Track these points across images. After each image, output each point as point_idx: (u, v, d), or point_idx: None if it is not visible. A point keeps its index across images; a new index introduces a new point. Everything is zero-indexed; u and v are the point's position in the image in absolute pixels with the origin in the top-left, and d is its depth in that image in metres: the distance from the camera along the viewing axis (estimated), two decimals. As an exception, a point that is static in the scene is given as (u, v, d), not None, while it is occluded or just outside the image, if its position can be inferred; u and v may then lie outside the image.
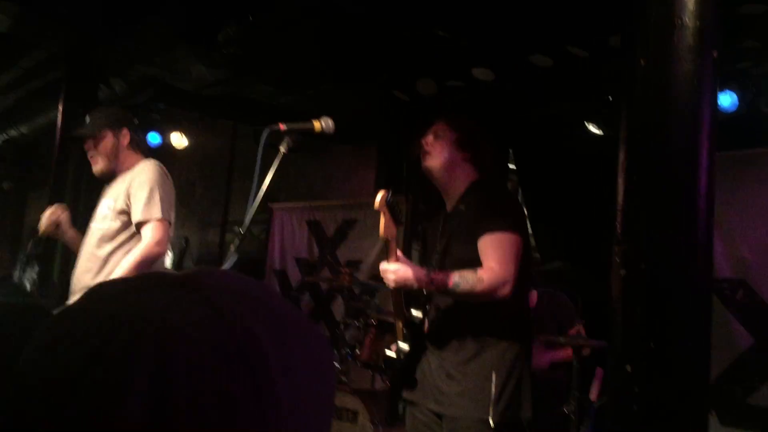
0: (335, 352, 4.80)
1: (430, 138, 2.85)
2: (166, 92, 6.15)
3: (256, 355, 0.49)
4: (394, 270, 2.56)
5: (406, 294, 2.70)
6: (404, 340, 2.79)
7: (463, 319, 2.65)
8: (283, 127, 2.57)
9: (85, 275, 3.16)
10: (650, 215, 2.23)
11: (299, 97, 6.50)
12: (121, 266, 3.03)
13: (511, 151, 6.90)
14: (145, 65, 5.63)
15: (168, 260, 4.65)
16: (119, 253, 3.12)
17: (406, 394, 2.82)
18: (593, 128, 5.73)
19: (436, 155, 2.81)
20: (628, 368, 2.13)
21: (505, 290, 2.52)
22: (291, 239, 6.82)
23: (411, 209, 5.88)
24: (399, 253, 2.63)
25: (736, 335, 3.60)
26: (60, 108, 5.50)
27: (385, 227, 2.57)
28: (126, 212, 3.13)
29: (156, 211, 3.05)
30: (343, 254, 6.29)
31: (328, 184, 7.55)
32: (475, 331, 2.61)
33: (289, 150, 2.60)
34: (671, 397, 2.13)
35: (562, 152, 6.20)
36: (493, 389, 2.49)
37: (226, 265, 2.39)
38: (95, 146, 3.27)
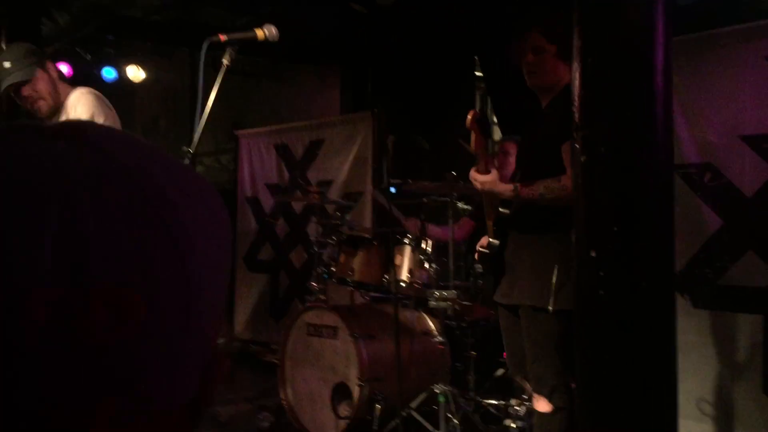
0: (312, 272, 4.80)
1: (530, 57, 2.94)
2: (115, 22, 5.90)
3: (165, 206, 0.45)
4: (482, 181, 2.88)
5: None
6: (494, 237, 3.09)
7: (538, 214, 2.87)
8: (223, 37, 2.46)
9: None
10: (607, 97, 2.17)
11: (254, 18, 6.27)
12: None
13: (476, 57, 6.77)
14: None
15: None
16: None
17: (495, 297, 3.11)
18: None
19: (541, 73, 2.95)
20: (593, 253, 2.12)
21: None
22: (260, 165, 6.72)
23: (377, 124, 5.78)
24: (494, 167, 2.95)
25: (706, 218, 3.61)
26: (2, 45, 5.27)
27: (475, 142, 2.88)
28: None
29: None
30: (314, 175, 6.22)
31: (293, 106, 7.39)
32: (545, 225, 2.86)
33: (232, 61, 2.50)
34: (637, 280, 2.12)
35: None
36: (554, 280, 2.76)
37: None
38: (35, 89, 3.13)
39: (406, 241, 4.15)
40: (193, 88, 7.59)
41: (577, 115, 2.22)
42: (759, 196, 3.43)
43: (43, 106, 3.14)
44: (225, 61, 2.48)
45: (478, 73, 6.94)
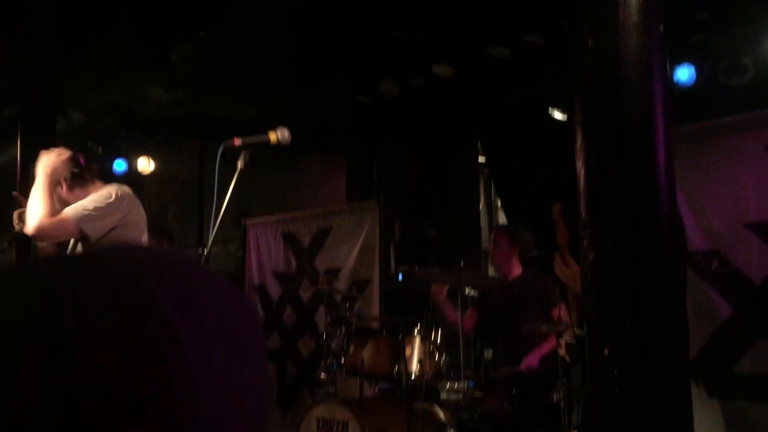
0: (321, 362, 4.76)
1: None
2: (127, 118, 6.07)
3: (167, 341, 0.45)
4: (568, 275, 3.03)
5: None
6: (579, 327, 3.17)
7: None
8: (237, 142, 2.54)
9: None
10: (612, 195, 2.22)
11: (262, 110, 6.45)
12: (37, 191, 3.00)
13: (479, 143, 6.90)
14: (101, 93, 5.56)
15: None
16: None
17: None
18: (557, 114, 5.74)
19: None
20: (606, 351, 2.12)
21: None
22: (267, 254, 6.76)
23: (383, 212, 5.85)
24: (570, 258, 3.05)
25: (716, 306, 3.61)
26: (18, 143, 5.41)
27: (560, 234, 3.06)
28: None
29: (73, 210, 2.98)
30: (321, 263, 6.24)
31: (300, 195, 7.49)
32: None
33: (250, 165, 2.57)
34: (652, 376, 2.11)
35: (530, 140, 6.21)
36: None
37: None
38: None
39: (416, 331, 4.14)
40: (201, 179, 7.73)
41: (583, 212, 2.27)
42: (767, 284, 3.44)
43: None
44: (240, 164, 2.54)
45: (481, 159, 7.07)
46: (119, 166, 6.95)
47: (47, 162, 3.11)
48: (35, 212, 3.00)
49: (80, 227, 2.97)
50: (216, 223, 2.50)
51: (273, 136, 2.60)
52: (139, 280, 0.47)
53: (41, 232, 2.99)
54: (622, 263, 2.17)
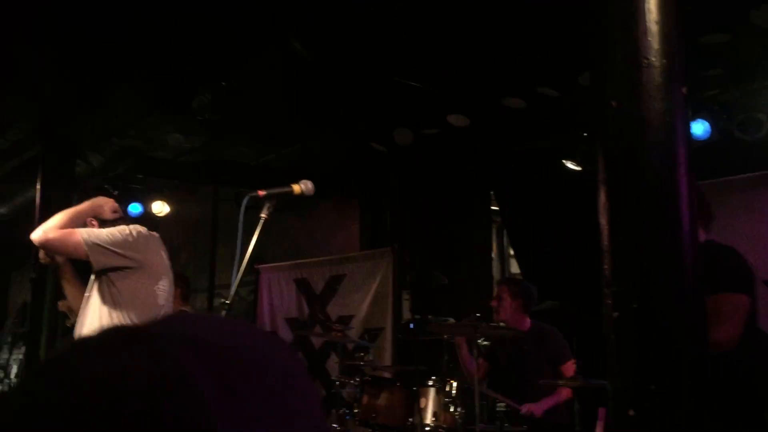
0: (332, 411, 4.72)
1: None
2: (144, 162, 6.15)
3: (193, 408, 0.47)
4: None
5: None
6: None
7: None
8: (262, 193, 2.57)
9: None
10: (637, 254, 2.22)
11: (277, 156, 6.52)
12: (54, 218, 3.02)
13: (492, 193, 6.94)
14: (120, 137, 5.64)
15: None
16: (97, 304, 3.05)
17: None
18: (571, 165, 5.77)
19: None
20: (631, 413, 2.10)
21: None
22: (279, 299, 6.76)
23: (397, 260, 5.85)
24: None
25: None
26: (38, 186, 5.47)
27: None
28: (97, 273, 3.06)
29: (85, 232, 2.98)
30: (334, 311, 6.24)
31: (313, 240, 7.52)
32: None
33: (270, 214, 2.59)
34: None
35: (543, 190, 6.24)
36: None
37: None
38: None
39: (431, 383, 4.10)
40: (214, 222, 7.78)
41: (607, 271, 2.27)
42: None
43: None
44: (263, 215, 2.57)
45: (494, 207, 7.10)
46: (135, 209, 7.00)
47: (98, 200, 3.17)
48: (51, 220, 3.00)
49: (87, 251, 2.95)
50: (239, 272, 2.52)
51: (297, 188, 2.63)
52: (182, 364, 0.49)
53: (46, 239, 2.95)
54: (647, 323, 2.16)
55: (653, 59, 2.25)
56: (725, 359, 2.66)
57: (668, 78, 2.25)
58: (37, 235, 2.96)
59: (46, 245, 3.02)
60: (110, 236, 3.01)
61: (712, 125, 4.75)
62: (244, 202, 2.54)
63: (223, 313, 2.49)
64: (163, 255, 3.23)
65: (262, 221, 2.59)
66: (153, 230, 3.33)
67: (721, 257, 2.85)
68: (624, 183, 2.28)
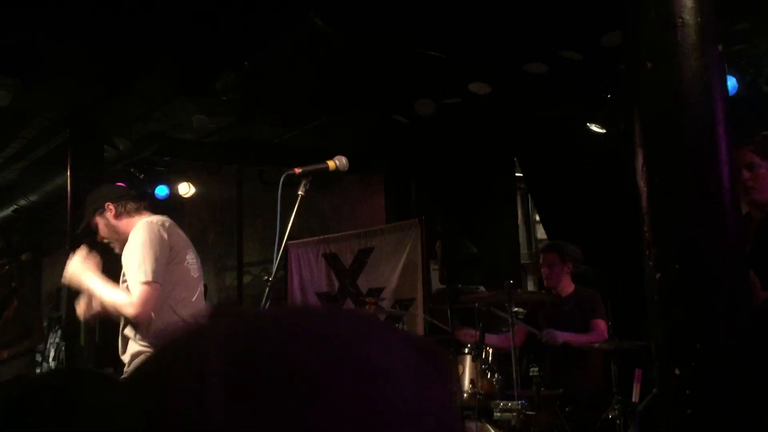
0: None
1: (745, 173, 2.83)
2: (171, 145, 6.20)
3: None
4: None
5: None
6: None
7: None
8: (298, 171, 2.59)
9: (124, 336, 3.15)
10: (677, 215, 2.22)
11: (300, 133, 6.54)
12: (99, 291, 3.03)
13: (516, 159, 6.92)
14: (146, 122, 5.69)
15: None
16: None
17: None
18: (595, 128, 5.73)
19: (760, 189, 2.84)
20: (677, 371, 2.12)
21: None
22: (309, 275, 6.83)
23: (424, 231, 5.88)
24: None
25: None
26: (68, 173, 5.54)
27: None
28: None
29: (141, 275, 2.98)
30: (364, 283, 6.29)
31: (340, 215, 7.56)
32: None
33: (307, 191, 2.62)
34: (726, 396, 2.11)
35: (567, 155, 6.21)
36: None
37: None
38: (100, 234, 3.30)
39: (466, 350, 4.15)
40: (239, 201, 7.84)
41: (647, 233, 2.28)
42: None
43: (114, 246, 3.28)
44: (300, 192, 2.60)
45: (518, 174, 7.08)
46: (161, 191, 7.08)
47: (73, 267, 3.17)
48: (118, 306, 2.99)
49: (156, 281, 2.98)
50: (280, 248, 2.55)
51: (332, 164, 2.65)
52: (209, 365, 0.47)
53: (143, 316, 2.98)
54: (690, 283, 2.17)
55: (687, 18, 2.24)
56: None
57: (703, 36, 2.24)
58: (135, 319, 2.99)
59: (145, 317, 3.00)
60: (153, 256, 3.02)
61: (739, 80, 4.70)
62: (282, 179, 2.56)
63: (267, 292, 2.52)
64: (180, 232, 3.26)
65: (299, 198, 2.61)
66: (180, 211, 3.35)
67: None
68: (662, 145, 2.27)
